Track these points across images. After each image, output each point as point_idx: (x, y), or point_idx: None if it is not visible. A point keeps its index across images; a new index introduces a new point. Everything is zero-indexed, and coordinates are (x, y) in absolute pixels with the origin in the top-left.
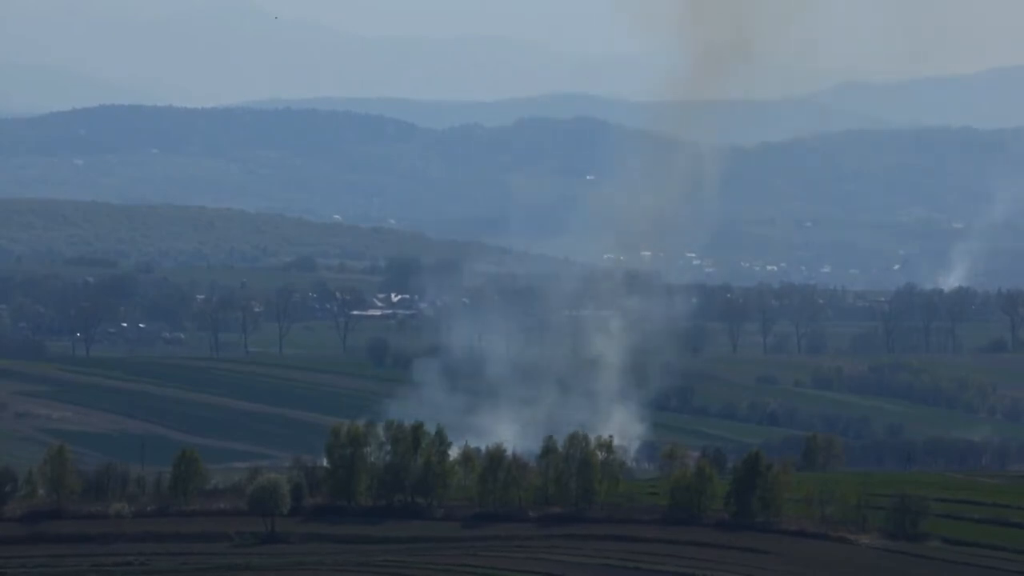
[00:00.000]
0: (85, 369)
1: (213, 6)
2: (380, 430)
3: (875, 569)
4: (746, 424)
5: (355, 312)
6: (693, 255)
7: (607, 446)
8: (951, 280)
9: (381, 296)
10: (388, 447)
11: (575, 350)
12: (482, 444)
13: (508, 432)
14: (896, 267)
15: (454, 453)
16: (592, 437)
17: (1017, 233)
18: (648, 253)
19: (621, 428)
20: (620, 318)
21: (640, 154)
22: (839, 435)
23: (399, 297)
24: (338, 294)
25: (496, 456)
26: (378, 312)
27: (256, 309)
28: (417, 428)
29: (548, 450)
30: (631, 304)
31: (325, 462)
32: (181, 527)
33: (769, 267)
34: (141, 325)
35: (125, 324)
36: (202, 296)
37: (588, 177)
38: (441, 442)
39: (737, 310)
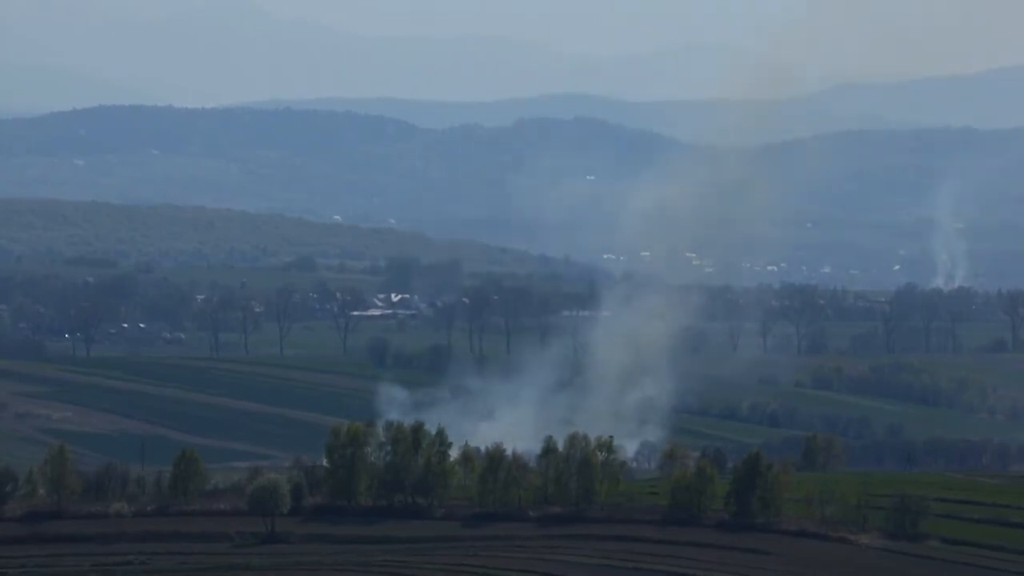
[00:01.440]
0: (85, 369)
1: (213, 6)
2: (380, 430)
3: (875, 569)
4: (746, 424)
5: (355, 312)
6: (693, 255)
7: (607, 446)
8: (951, 280)
9: (381, 296)
10: (388, 447)
11: (580, 351)
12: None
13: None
14: (896, 267)
15: (454, 453)
16: (592, 437)
17: (1017, 233)
18: (647, 253)
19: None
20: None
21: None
22: (839, 435)
23: (399, 297)
24: (338, 294)
25: (496, 456)
26: (378, 312)
27: (256, 309)
28: (417, 428)
29: (548, 450)
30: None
31: (325, 462)
32: (181, 527)
33: (769, 267)
34: (141, 325)
35: (125, 324)
36: (202, 296)
37: (588, 177)
38: (441, 442)
39: (737, 310)
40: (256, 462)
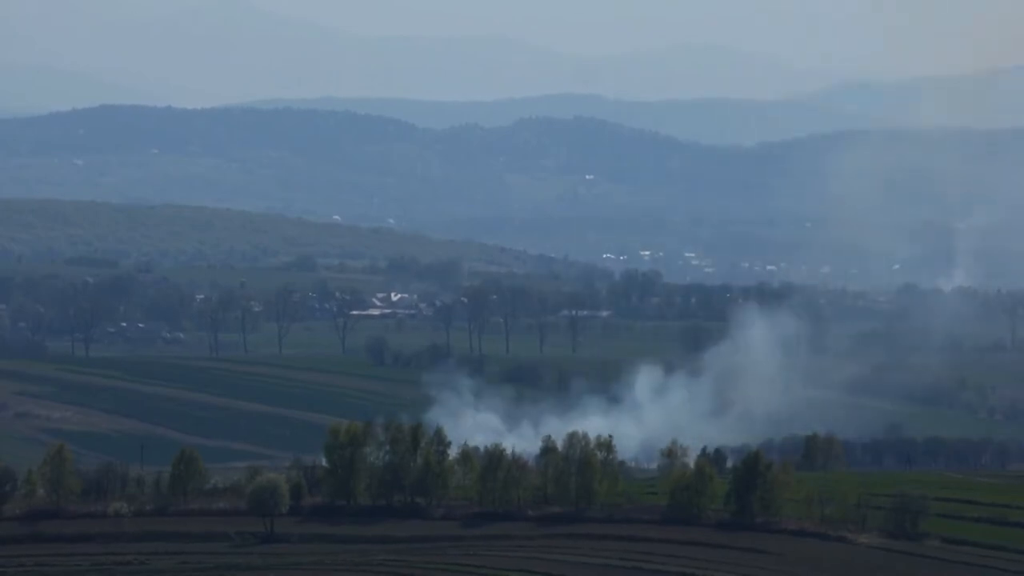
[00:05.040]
0: (85, 369)
1: (213, 6)
2: (379, 430)
3: (875, 569)
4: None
5: (354, 312)
6: (693, 255)
7: (606, 446)
8: (951, 280)
9: (380, 296)
10: (387, 447)
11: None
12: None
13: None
14: (896, 267)
15: (453, 452)
16: (592, 437)
17: (1017, 233)
18: (647, 253)
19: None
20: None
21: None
22: (839, 435)
23: (398, 297)
24: (337, 294)
25: (495, 456)
26: (377, 312)
27: (256, 309)
28: (416, 428)
29: (548, 450)
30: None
31: (324, 462)
32: (180, 527)
33: (769, 267)
34: (141, 325)
35: (125, 324)
36: (201, 296)
37: (588, 177)
38: (440, 442)
39: (737, 310)
40: (255, 462)
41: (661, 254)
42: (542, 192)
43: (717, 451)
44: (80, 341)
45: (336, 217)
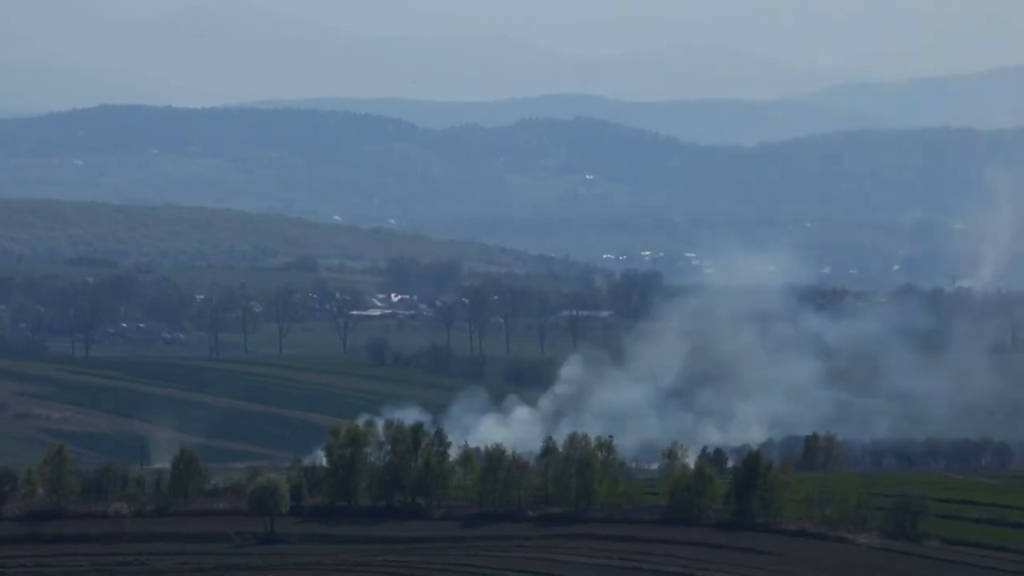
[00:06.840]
0: (85, 369)
1: (212, 6)
2: (379, 430)
3: (875, 569)
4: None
5: (355, 312)
6: (693, 255)
7: (607, 446)
8: (952, 281)
9: (381, 296)
10: (388, 447)
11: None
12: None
13: None
14: (896, 267)
15: (453, 453)
16: (592, 437)
17: (1017, 233)
18: (647, 253)
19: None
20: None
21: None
22: (839, 435)
23: (399, 297)
24: (338, 294)
25: (496, 456)
26: (378, 312)
27: (256, 309)
28: (417, 428)
29: (548, 450)
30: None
31: (324, 462)
32: (181, 527)
33: (768, 267)
34: (141, 325)
35: (125, 324)
36: (202, 296)
37: (588, 177)
38: (440, 442)
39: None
40: (255, 462)
41: (661, 254)
42: (542, 192)
43: (717, 451)
44: (80, 341)
45: (336, 217)
